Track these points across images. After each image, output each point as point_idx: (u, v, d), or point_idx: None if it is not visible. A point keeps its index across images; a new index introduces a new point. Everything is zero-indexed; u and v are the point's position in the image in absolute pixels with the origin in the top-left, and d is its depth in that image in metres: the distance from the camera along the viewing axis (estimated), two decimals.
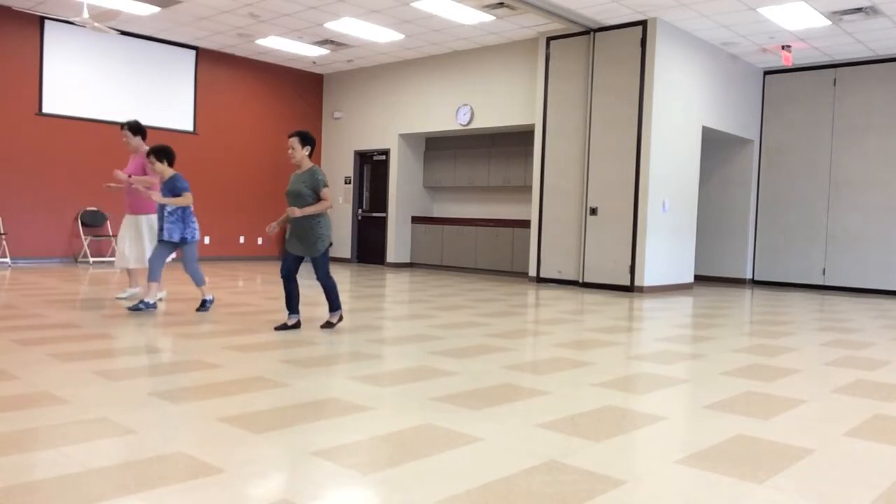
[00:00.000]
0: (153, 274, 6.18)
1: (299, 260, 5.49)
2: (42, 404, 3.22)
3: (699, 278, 12.02)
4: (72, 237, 11.04)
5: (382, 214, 13.10)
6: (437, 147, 13.08)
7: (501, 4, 9.07)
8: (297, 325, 5.60)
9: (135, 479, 2.36)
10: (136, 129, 6.88)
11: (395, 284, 9.63)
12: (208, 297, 6.42)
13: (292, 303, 5.54)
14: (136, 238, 6.83)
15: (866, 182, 10.64)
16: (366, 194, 13.53)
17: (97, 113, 11.17)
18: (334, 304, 5.62)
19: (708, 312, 7.64)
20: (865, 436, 3.17)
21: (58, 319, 5.64)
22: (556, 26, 9.99)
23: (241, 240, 12.93)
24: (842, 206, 10.87)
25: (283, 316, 6.24)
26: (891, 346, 5.74)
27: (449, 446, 2.82)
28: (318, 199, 5.37)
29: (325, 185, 5.38)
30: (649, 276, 9.51)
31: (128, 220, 6.90)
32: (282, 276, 5.50)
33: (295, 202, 5.35)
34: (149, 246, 6.82)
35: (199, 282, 6.38)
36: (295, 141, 5.36)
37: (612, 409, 3.50)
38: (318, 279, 5.51)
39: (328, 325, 5.66)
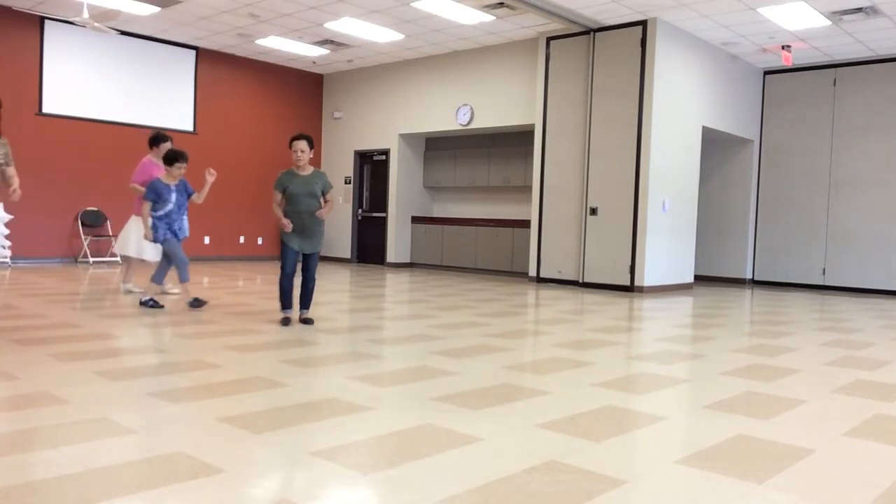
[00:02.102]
0: (185, 274, 6.47)
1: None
2: (42, 404, 3.22)
3: (699, 278, 12.02)
4: (72, 237, 11.04)
5: (382, 214, 13.10)
6: (437, 147, 13.08)
7: (501, 4, 9.07)
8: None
9: (135, 479, 2.36)
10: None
11: (395, 284, 9.63)
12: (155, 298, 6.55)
13: (289, 298, 5.81)
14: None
15: (866, 182, 10.64)
16: (366, 194, 13.53)
17: (97, 113, 11.17)
18: (310, 302, 5.90)
19: (708, 312, 7.64)
20: (865, 436, 3.17)
21: (58, 319, 5.64)
22: (556, 26, 9.99)
23: (241, 240, 12.93)
24: (842, 206, 10.87)
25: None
26: (891, 346, 5.74)
27: (449, 446, 2.82)
28: (325, 200, 5.75)
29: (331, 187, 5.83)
30: (649, 276, 9.51)
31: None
32: (290, 274, 5.74)
33: (309, 202, 5.62)
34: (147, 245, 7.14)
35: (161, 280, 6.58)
36: (305, 144, 5.59)
37: (612, 409, 3.50)
38: (311, 275, 5.79)
39: (309, 321, 5.80)
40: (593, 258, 9.86)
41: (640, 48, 9.33)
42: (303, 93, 13.75)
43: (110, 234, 11.23)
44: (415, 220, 12.99)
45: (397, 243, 12.88)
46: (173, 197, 6.33)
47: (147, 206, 6.33)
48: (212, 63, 12.39)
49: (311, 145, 5.63)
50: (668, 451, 2.86)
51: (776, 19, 8.83)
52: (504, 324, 6.24)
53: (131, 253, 7.32)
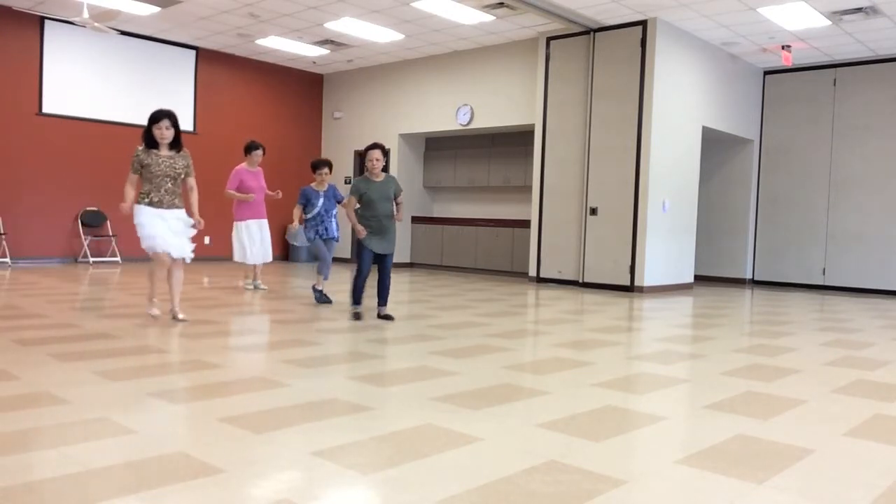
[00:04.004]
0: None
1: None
2: (42, 404, 3.23)
3: (699, 278, 12.02)
4: (72, 237, 11.04)
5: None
6: (437, 147, 13.08)
7: (501, 4, 9.07)
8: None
9: (135, 479, 2.36)
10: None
11: (396, 284, 9.63)
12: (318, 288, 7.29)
13: (362, 294, 6.19)
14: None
15: (866, 182, 10.64)
16: None
17: (97, 113, 11.17)
18: (387, 299, 6.30)
19: (708, 312, 7.64)
20: (865, 436, 3.17)
21: (58, 319, 5.64)
22: (556, 26, 9.99)
23: None
24: (842, 206, 10.87)
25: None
26: (891, 346, 5.74)
27: (449, 446, 2.82)
28: (396, 203, 6.17)
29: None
30: (649, 276, 9.51)
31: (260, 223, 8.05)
32: (366, 274, 6.09)
33: (385, 206, 6.01)
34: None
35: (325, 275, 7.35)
36: (379, 153, 6.01)
37: (612, 409, 3.50)
38: (388, 273, 6.17)
39: (389, 317, 6.18)
40: (593, 258, 9.86)
41: (640, 48, 9.33)
42: (303, 93, 13.75)
43: (110, 234, 11.24)
44: (415, 220, 12.99)
45: (397, 243, 12.85)
46: (320, 202, 7.12)
47: (298, 209, 7.19)
48: (212, 63, 12.39)
49: (385, 153, 6.10)
50: (668, 451, 2.86)
51: (776, 19, 8.83)
52: (504, 324, 6.24)
53: (237, 258, 8.03)
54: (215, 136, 12.51)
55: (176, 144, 5.61)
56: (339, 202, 7.30)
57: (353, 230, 6.01)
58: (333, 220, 7.29)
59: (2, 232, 10.20)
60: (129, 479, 2.35)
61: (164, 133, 5.49)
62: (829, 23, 8.89)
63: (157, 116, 5.49)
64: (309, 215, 7.20)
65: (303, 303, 7.18)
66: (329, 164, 7.32)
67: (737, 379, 4.29)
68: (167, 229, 5.54)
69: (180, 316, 5.76)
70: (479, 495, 2.32)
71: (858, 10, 8.39)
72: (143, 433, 2.85)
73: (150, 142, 5.52)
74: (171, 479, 2.36)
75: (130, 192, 5.52)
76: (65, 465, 2.47)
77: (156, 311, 5.72)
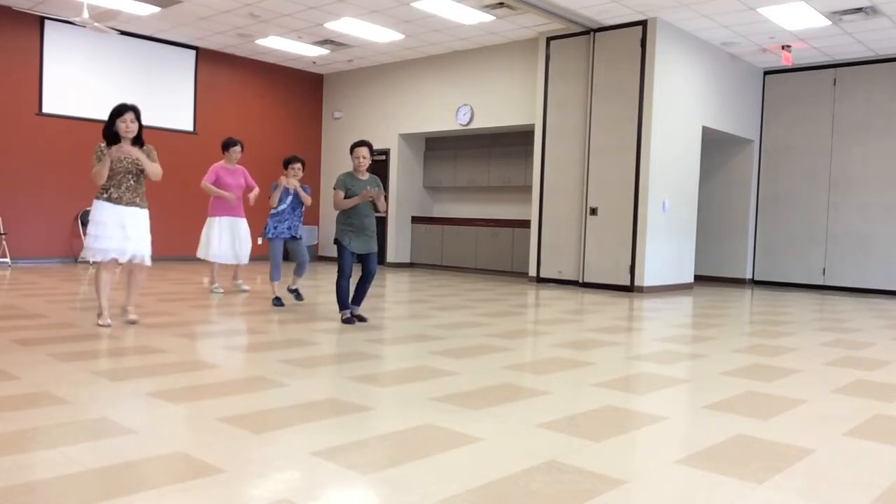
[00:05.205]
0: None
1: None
2: (42, 404, 3.22)
3: (699, 278, 12.02)
4: (72, 237, 11.04)
5: (382, 214, 13.10)
6: (437, 147, 13.08)
7: (501, 4, 9.07)
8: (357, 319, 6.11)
9: (135, 479, 2.36)
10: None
11: (395, 284, 9.63)
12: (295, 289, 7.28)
13: (348, 298, 6.04)
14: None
15: (866, 182, 10.64)
16: None
17: (97, 113, 11.16)
18: (363, 300, 6.18)
19: (708, 312, 7.64)
20: (865, 436, 3.17)
21: (58, 319, 5.64)
22: (556, 26, 9.99)
23: None
24: (842, 206, 10.87)
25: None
26: (891, 346, 5.74)
27: (449, 446, 2.82)
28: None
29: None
30: (649, 276, 9.51)
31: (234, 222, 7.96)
32: (349, 276, 5.97)
33: (367, 205, 5.95)
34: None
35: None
36: (367, 150, 5.97)
37: (612, 409, 3.50)
38: (372, 275, 6.05)
39: (362, 318, 6.11)
40: (593, 258, 9.86)
41: (640, 48, 9.33)
42: (303, 93, 13.75)
43: None
44: (415, 220, 12.99)
45: (397, 243, 12.87)
46: (289, 199, 7.05)
47: (275, 197, 7.06)
48: (212, 63, 12.39)
49: (372, 152, 6.01)
50: (668, 451, 2.86)
51: (776, 19, 8.83)
52: (504, 324, 6.24)
53: (200, 255, 7.86)
54: (215, 137, 12.49)
55: (138, 140, 5.36)
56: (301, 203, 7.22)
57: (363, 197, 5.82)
58: (297, 218, 7.18)
59: (2, 232, 10.20)
60: (129, 479, 2.35)
61: (130, 126, 5.24)
62: (829, 23, 8.88)
63: (120, 110, 5.24)
64: (275, 210, 7.08)
65: (300, 303, 7.18)
66: (302, 161, 7.21)
67: (737, 379, 4.29)
68: (122, 237, 5.27)
69: (131, 317, 5.57)
70: (479, 495, 2.32)
71: (858, 10, 8.39)
72: (143, 433, 2.85)
73: (112, 138, 5.28)
74: (171, 479, 2.36)
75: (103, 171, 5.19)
76: (65, 465, 2.47)
77: (107, 321, 5.38)
